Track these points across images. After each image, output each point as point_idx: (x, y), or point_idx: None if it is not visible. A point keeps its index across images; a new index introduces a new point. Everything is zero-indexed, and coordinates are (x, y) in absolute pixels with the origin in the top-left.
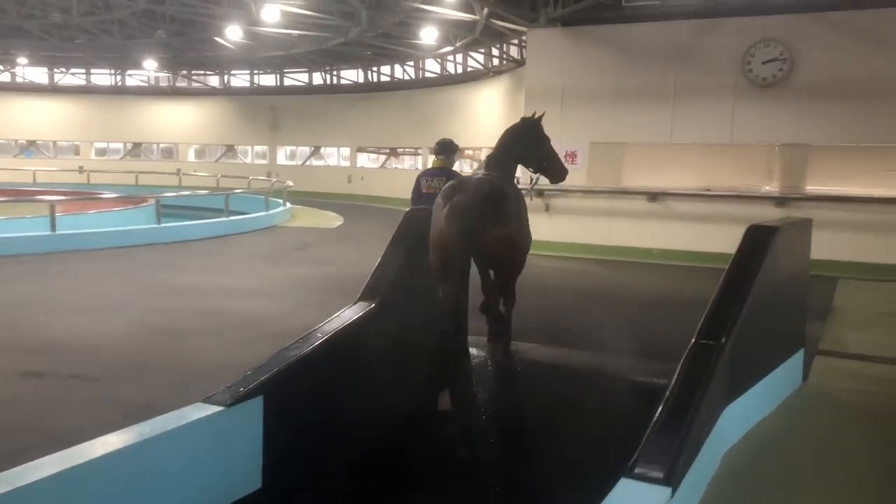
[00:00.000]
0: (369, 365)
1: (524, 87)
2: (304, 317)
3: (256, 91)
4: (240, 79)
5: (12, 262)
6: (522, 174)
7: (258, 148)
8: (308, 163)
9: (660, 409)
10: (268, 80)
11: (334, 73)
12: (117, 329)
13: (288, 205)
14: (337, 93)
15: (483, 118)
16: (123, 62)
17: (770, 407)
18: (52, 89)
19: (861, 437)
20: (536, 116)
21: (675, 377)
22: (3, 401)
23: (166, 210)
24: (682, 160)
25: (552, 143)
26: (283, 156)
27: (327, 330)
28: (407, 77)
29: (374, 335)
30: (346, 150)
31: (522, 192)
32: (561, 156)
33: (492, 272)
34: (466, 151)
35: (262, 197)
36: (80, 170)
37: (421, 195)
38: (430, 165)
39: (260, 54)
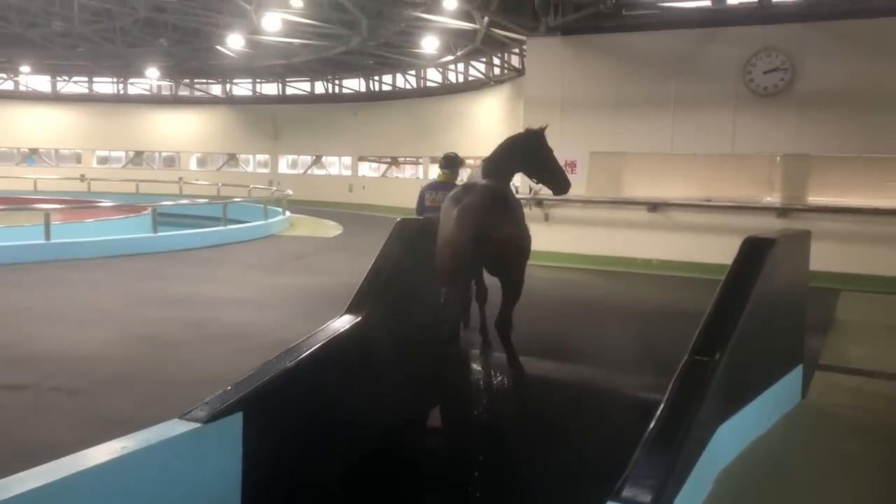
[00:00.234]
0: (356, 379)
1: (523, 96)
2: (296, 328)
3: (258, 100)
4: (242, 87)
5: (5, 271)
6: (521, 183)
7: (260, 157)
8: (309, 172)
9: (649, 428)
10: (270, 88)
11: (336, 82)
12: (104, 340)
13: (287, 213)
14: (338, 102)
15: (484, 127)
16: (126, 71)
17: (767, 425)
18: (55, 97)
19: (861, 455)
20: (540, 128)
21: (666, 394)
22: None
23: (166, 219)
24: (683, 170)
25: (554, 151)
26: (284, 164)
27: (311, 343)
28: (408, 86)
29: (360, 348)
30: (347, 160)
31: (521, 201)
32: (561, 165)
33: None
34: (468, 161)
35: (266, 206)
36: (82, 178)
37: (425, 208)
38: (433, 178)
39: (261, 63)
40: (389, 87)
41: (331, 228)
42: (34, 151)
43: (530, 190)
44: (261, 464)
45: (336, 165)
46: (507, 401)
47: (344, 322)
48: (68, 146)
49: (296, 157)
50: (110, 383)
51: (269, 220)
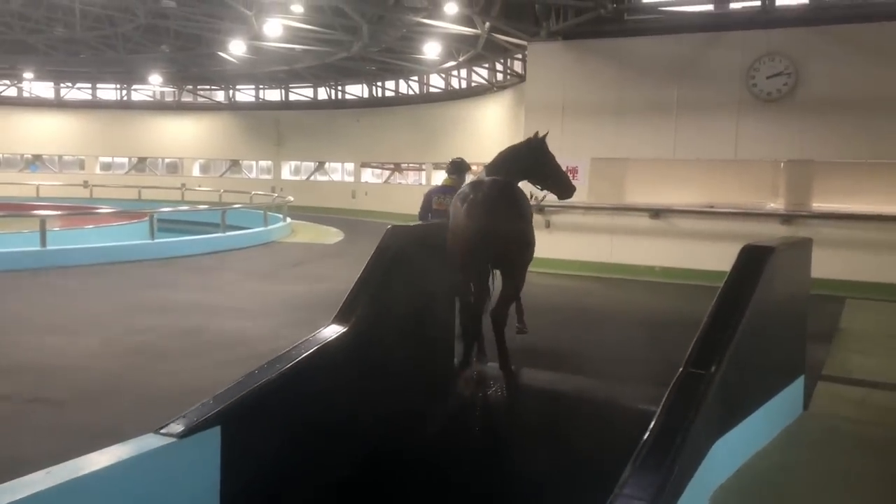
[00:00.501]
0: (342, 391)
1: (524, 101)
2: (289, 337)
3: (261, 106)
4: (245, 94)
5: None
6: (525, 191)
7: (263, 163)
8: (312, 178)
9: (640, 444)
10: (273, 94)
11: (338, 88)
12: (92, 349)
13: (288, 220)
14: (341, 108)
15: (488, 133)
16: (129, 77)
17: (766, 439)
18: (58, 104)
19: (866, 471)
20: (541, 136)
21: (659, 408)
22: None
23: (167, 225)
24: (685, 176)
25: (555, 158)
26: (287, 171)
27: (295, 354)
28: (411, 92)
29: (347, 358)
30: (350, 166)
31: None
32: None
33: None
34: (473, 167)
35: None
36: (85, 184)
37: (432, 211)
38: (440, 183)
39: (264, 69)
40: (392, 93)
41: (332, 235)
42: (38, 158)
43: (531, 196)
44: (240, 480)
45: (339, 172)
46: (501, 411)
47: (330, 332)
48: (72, 152)
49: (299, 163)
50: (92, 395)
51: (269, 227)
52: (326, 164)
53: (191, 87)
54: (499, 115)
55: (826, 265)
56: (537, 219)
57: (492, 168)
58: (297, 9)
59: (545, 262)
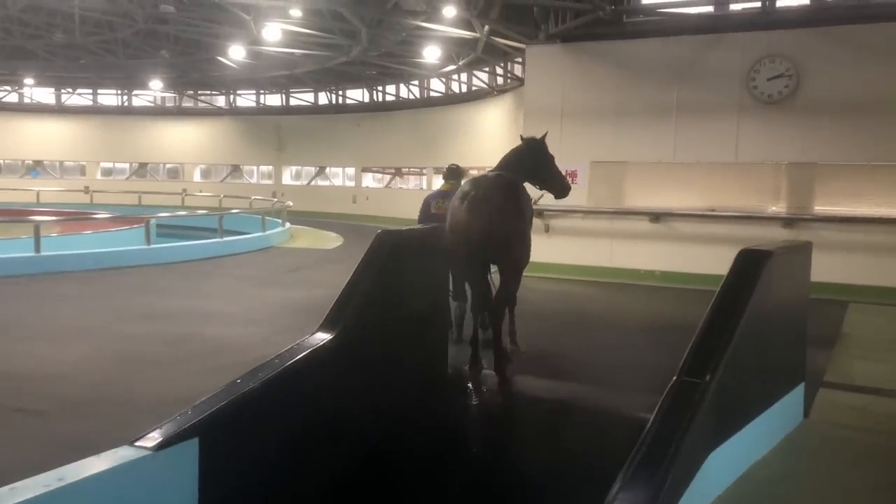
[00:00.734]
0: (328, 400)
1: (523, 104)
2: (280, 344)
3: (262, 111)
4: (246, 99)
5: None
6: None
7: (264, 168)
8: (313, 183)
9: (632, 454)
10: (273, 99)
11: (339, 92)
12: (80, 356)
13: (287, 225)
14: (342, 112)
15: (488, 137)
16: (129, 82)
17: (765, 448)
18: (59, 110)
19: (867, 480)
20: (541, 136)
21: (652, 418)
22: None
23: (167, 230)
24: (686, 180)
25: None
26: (288, 176)
27: (277, 364)
28: (412, 96)
29: (334, 367)
30: (351, 170)
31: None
32: None
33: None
34: (472, 171)
35: (264, 217)
36: (86, 190)
37: (430, 215)
38: (437, 188)
39: (264, 74)
40: (393, 98)
41: (331, 240)
42: (38, 164)
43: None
44: (219, 493)
45: (340, 176)
46: (494, 420)
47: (316, 340)
48: (72, 158)
49: (300, 168)
50: (77, 404)
51: (268, 232)
52: (327, 169)
53: (191, 92)
54: (499, 119)
55: (828, 269)
56: (537, 223)
57: (497, 170)
58: (296, 13)
59: (545, 266)
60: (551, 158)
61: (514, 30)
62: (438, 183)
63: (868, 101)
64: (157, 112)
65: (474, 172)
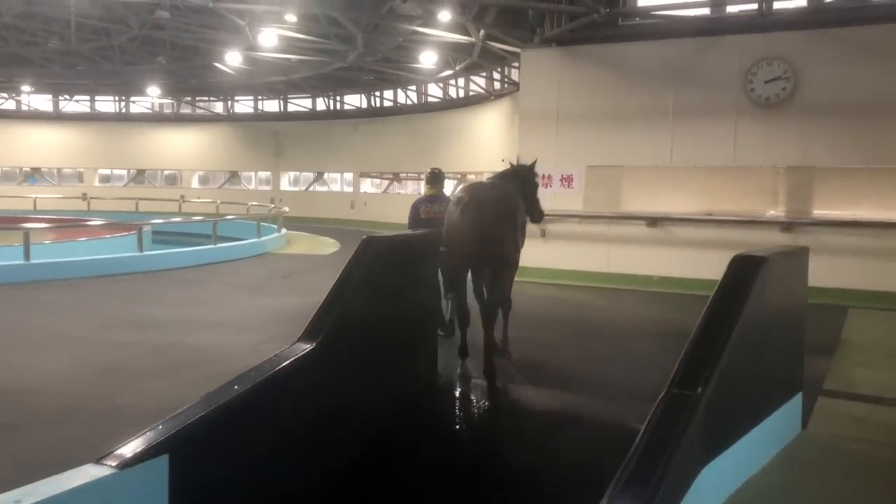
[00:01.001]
0: (305, 415)
1: (518, 109)
2: (267, 353)
3: (260, 117)
4: (243, 105)
5: None
6: None
7: (262, 174)
8: (311, 188)
9: (619, 472)
10: (271, 105)
11: (337, 98)
12: (61, 367)
13: (283, 231)
14: (340, 118)
15: (486, 142)
16: (127, 89)
17: (762, 461)
18: (57, 116)
19: (867, 493)
20: (530, 164)
21: (641, 432)
22: None
23: (164, 237)
24: (683, 183)
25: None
26: (286, 181)
27: (253, 376)
28: (409, 102)
29: (312, 380)
30: (349, 176)
31: None
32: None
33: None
34: (469, 176)
35: (261, 223)
36: (84, 197)
37: (420, 220)
38: (422, 193)
39: (261, 80)
40: (390, 103)
41: (328, 246)
42: (36, 170)
43: None
44: None
45: (338, 182)
46: (483, 430)
47: (295, 351)
48: (70, 165)
49: (298, 173)
50: (53, 417)
51: (263, 238)
52: (325, 175)
53: (189, 98)
54: (497, 124)
55: (828, 274)
56: (532, 228)
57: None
58: (291, 18)
59: (541, 272)
60: (536, 187)
61: (510, 34)
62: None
63: (867, 102)
64: (155, 118)
65: (472, 177)
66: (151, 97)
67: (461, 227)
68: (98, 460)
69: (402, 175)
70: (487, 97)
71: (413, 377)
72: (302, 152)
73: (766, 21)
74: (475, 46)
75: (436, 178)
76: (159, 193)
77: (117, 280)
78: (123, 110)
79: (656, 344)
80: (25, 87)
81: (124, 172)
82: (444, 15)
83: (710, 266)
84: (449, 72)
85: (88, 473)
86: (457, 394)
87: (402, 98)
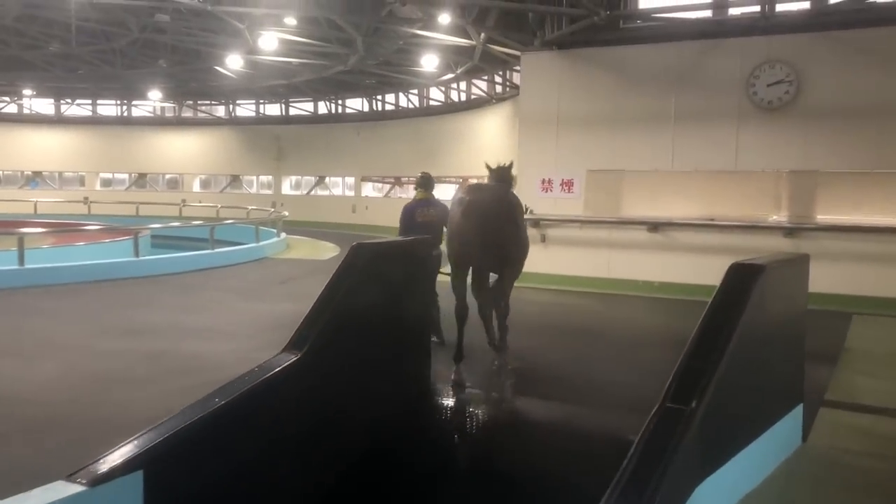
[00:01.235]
0: (289, 427)
1: (519, 112)
2: (259, 361)
3: (261, 121)
4: (245, 108)
5: None
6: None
7: (263, 178)
8: (313, 192)
9: (610, 488)
10: (273, 109)
11: (338, 102)
12: (47, 376)
13: (283, 235)
14: (341, 122)
15: (488, 145)
16: (128, 93)
17: (760, 476)
18: (58, 120)
19: None
20: (508, 164)
21: (632, 448)
22: None
23: (164, 241)
24: (684, 188)
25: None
26: (287, 185)
27: (233, 389)
28: (411, 105)
29: (297, 391)
30: (350, 180)
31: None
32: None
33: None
34: (471, 179)
35: (261, 228)
36: (85, 201)
37: (416, 224)
38: (414, 198)
39: (262, 83)
40: (392, 107)
41: (327, 250)
42: (38, 174)
43: (526, 209)
44: None
45: (339, 186)
46: (476, 441)
47: (279, 361)
48: (72, 169)
49: (299, 177)
50: (34, 428)
51: (262, 243)
52: (327, 179)
53: (190, 102)
54: (498, 127)
55: (832, 280)
56: (532, 233)
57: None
58: (290, 21)
59: (541, 277)
60: (513, 183)
61: (511, 37)
62: (437, 192)
63: (871, 106)
64: (157, 122)
65: (473, 180)
66: (153, 101)
67: (464, 227)
68: (69, 477)
69: (404, 179)
70: (489, 101)
71: (405, 386)
72: (303, 156)
73: (768, 24)
74: (476, 49)
75: (427, 181)
76: (161, 197)
77: (113, 285)
78: (125, 114)
79: (657, 351)
80: (27, 91)
81: (126, 176)
82: (444, 18)
83: (712, 272)
84: (450, 75)
85: (58, 491)
86: (450, 403)
87: (403, 102)
